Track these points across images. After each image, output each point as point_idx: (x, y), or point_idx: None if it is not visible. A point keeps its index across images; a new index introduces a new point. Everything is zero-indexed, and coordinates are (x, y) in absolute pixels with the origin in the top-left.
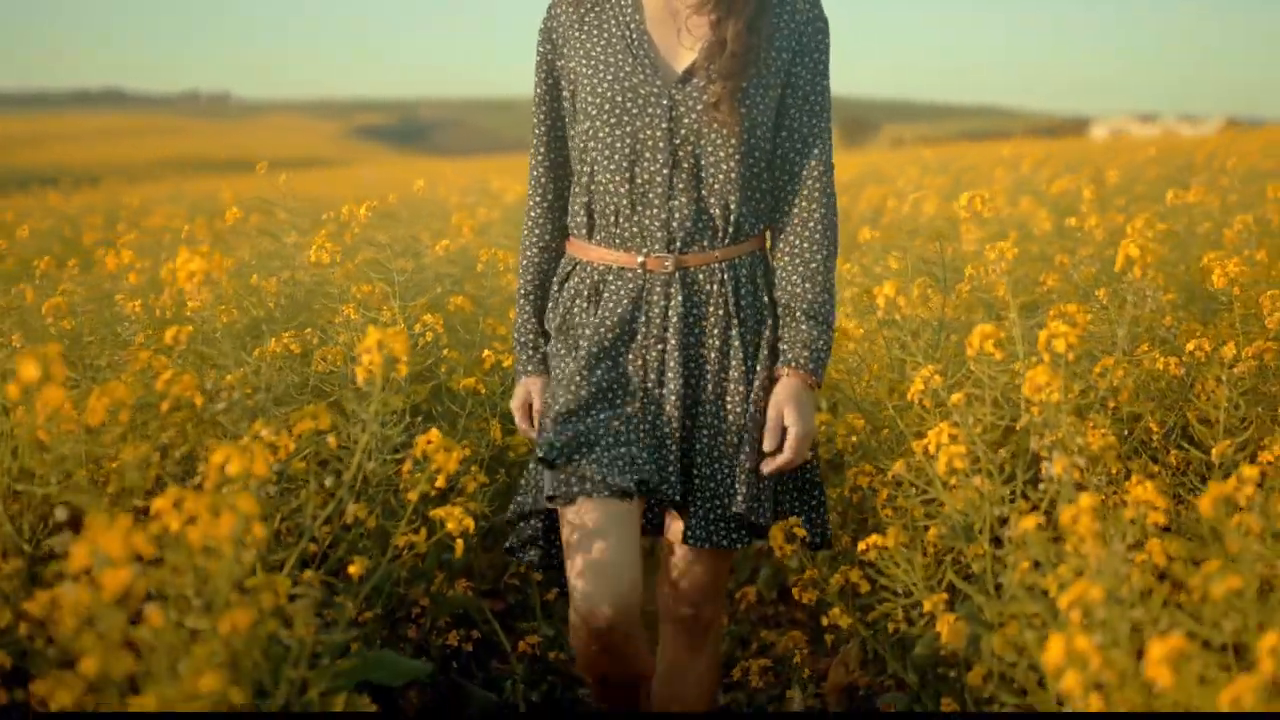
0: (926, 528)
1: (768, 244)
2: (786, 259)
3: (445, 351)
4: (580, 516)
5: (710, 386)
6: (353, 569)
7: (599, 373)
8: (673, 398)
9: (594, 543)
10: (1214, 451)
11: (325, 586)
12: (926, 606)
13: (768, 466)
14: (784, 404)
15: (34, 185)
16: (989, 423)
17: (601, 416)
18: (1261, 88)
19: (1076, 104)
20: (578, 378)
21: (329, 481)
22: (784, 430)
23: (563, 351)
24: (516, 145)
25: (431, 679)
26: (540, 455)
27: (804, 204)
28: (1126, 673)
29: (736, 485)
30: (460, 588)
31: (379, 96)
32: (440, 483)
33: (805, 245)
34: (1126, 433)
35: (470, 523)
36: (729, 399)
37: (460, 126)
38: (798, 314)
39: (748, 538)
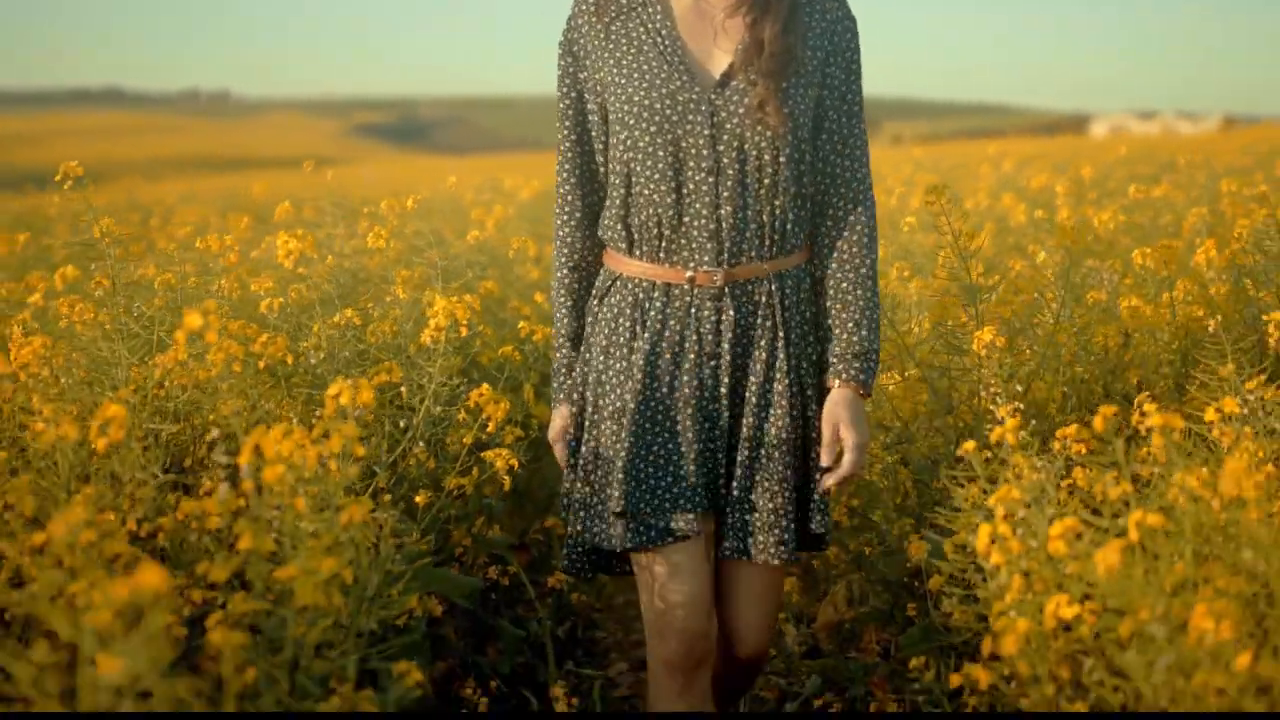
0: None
1: (811, 255)
2: (835, 265)
3: (463, 330)
4: (654, 560)
5: (755, 399)
6: (419, 498)
7: (657, 399)
8: (726, 413)
9: (663, 587)
10: (1136, 401)
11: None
12: (895, 531)
13: (828, 481)
14: (839, 417)
15: (49, 183)
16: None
17: (666, 457)
18: (1261, 86)
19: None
20: (639, 412)
21: (402, 423)
22: (839, 443)
23: (614, 381)
24: (517, 144)
25: (470, 611)
26: (614, 510)
27: (849, 207)
28: (1040, 557)
29: (783, 501)
30: (497, 531)
31: (378, 95)
32: (490, 428)
33: (854, 250)
34: (1068, 391)
35: (515, 462)
36: (773, 412)
37: (460, 125)
38: (849, 324)
39: (790, 554)
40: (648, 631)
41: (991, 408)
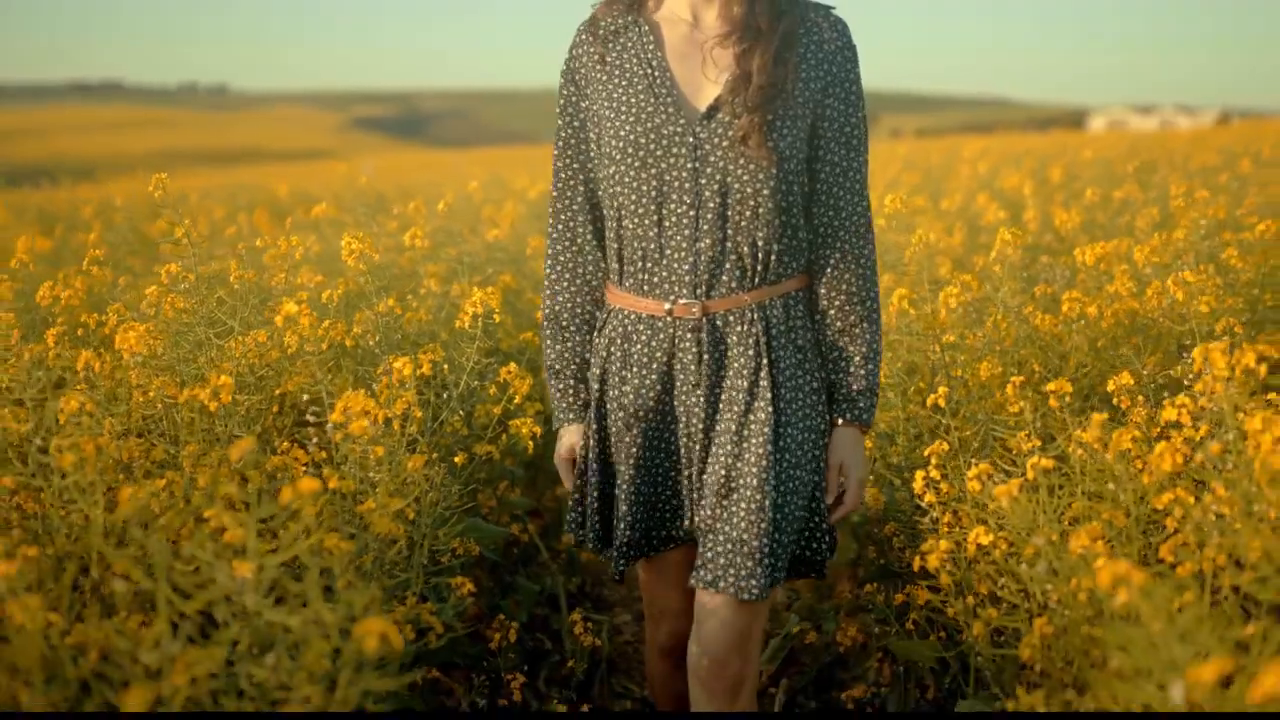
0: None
1: (806, 283)
2: (842, 300)
3: (496, 317)
4: (647, 565)
5: (734, 427)
6: (457, 459)
7: (650, 437)
8: (701, 439)
9: (657, 586)
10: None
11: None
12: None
13: (833, 517)
14: (843, 456)
15: (49, 176)
16: (906, 360)
17: (657, 488)
18: (1263, 80)
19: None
20: (627, 450)
21: (443, 396)
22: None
23: (611, 408)
24: (518, 137)
25: (494, 565)
26: (616, 564)
27: (849, 239)
28: (966, 499)
29: (759, 532)
30: (517, 494)
31: (378, 87)
32: (517, 400)
33: (859, 285)
34: (1013, 370)
35: (539, 429)
36: (752, 441)
37: (461, 118)
38: (855, 358)
39: (761, 591)
40: (647, 615)
41: (941, 383)
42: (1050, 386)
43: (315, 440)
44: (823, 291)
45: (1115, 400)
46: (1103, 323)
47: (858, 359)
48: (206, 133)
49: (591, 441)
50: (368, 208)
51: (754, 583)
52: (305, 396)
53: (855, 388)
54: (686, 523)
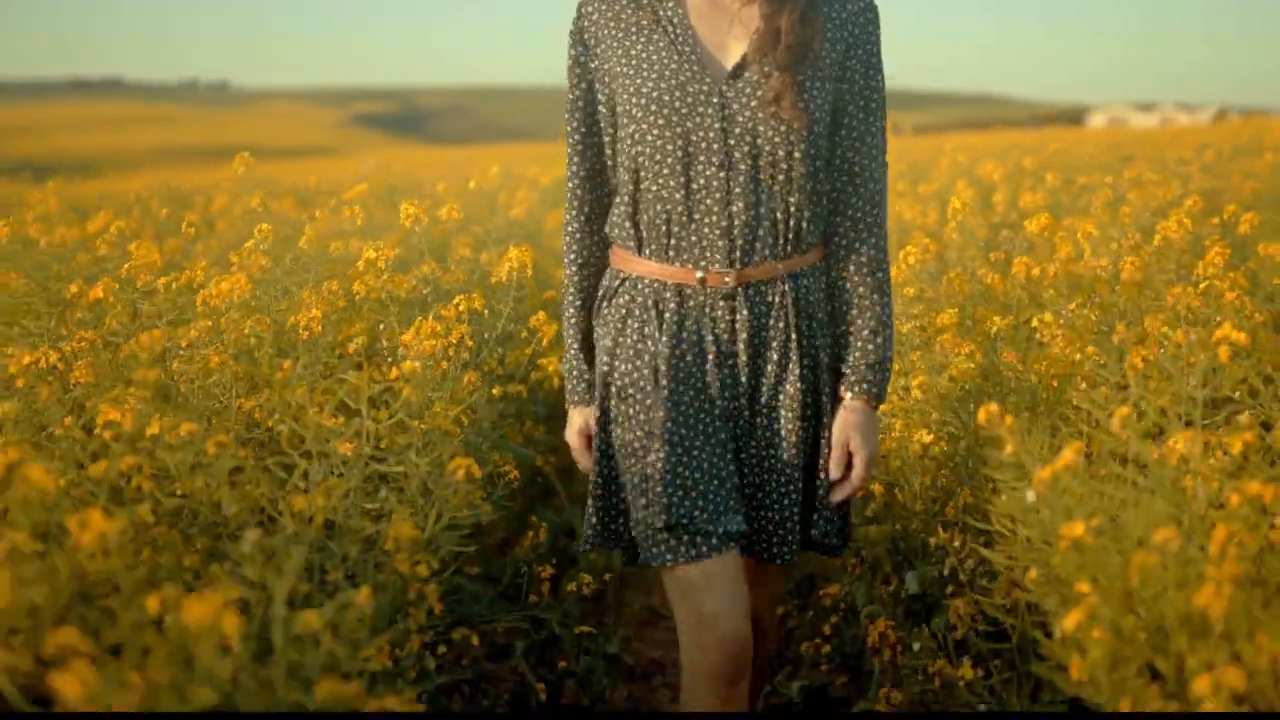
0: None
1: (825, 254)
2: (853, 268)
3: (529, 271)
4: (688, 573)
5: (766, 399)
6: (495, 390)
7: (686, 413)
8: (742, 416)
9: (705, 597)
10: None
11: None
12: None
13: (837, 494)
14: (850, 431)
15: (103, 169)
16: None
17: (700, 469)
18: (1264, 77)
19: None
20: (667, 422)
21: (484, 337)
22: (849, 456)
23: (631, 386)
24: (518, 133)
25: (517, 492)
26: (659, 526)
27: (866, 208)
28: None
29: (791, 502)
30: (541, 432)
31: (378, 84)
32: (545, 342)
33: (871, 254)
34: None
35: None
36: (783, 414)
37: (460, 114)
38: (865, 332)
39: (790, 556)
40: (685, 645)
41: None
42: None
43: (384, 366)
44: (835, 260)
45: (1038, 335)
46: (1044, 281)
47: (867, 331)
48: (207, 129)
49: (605, 421)
50: (379, 197)
51: (786, 550)
52: (383, 325)
53: (865, 361)
54: (735, 504)
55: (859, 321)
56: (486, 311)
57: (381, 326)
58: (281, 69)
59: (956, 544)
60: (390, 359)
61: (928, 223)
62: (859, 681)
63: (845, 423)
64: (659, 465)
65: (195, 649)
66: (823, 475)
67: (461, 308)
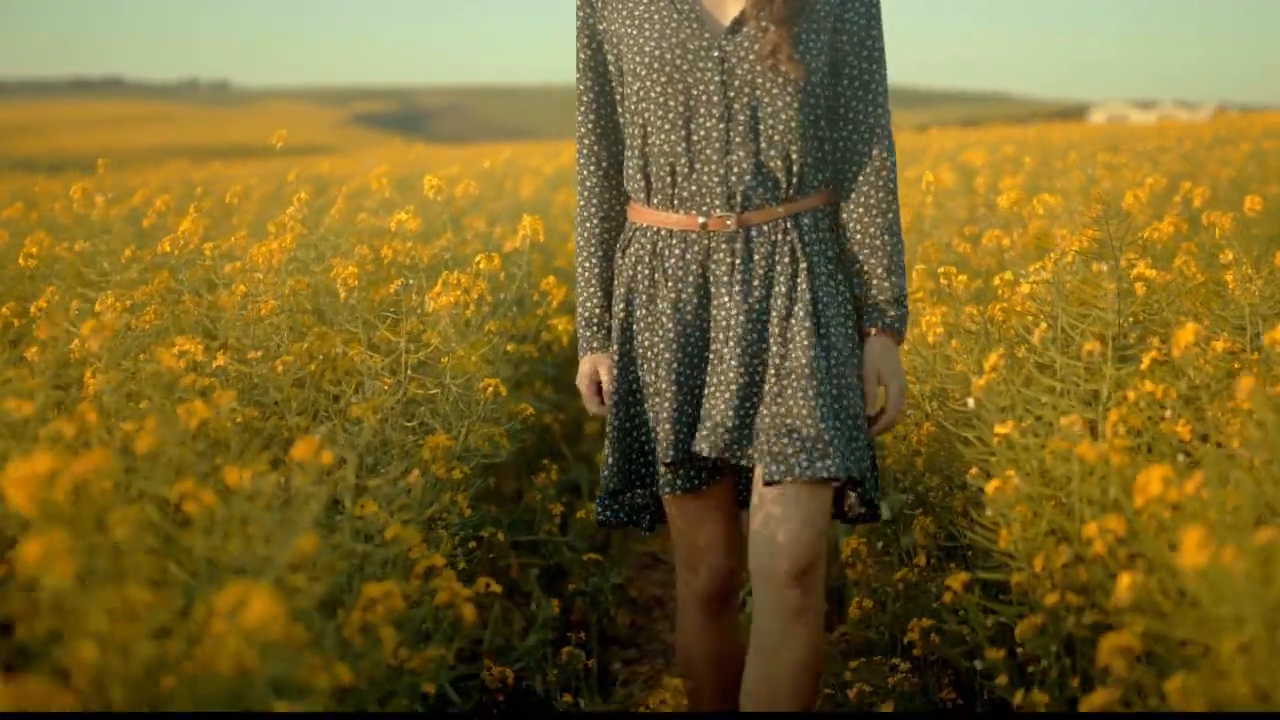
0: None
1: (829, 198)
2: (861, 211)
3: (541, 238)
4: (684, 502)
5: (776, 331)
6: (509, 347)
7: (690, 352)
8: (737, 351)
9: (696, 525)
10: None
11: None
12: None
13: (873, 430)
14: (879, 366)
15: (144, 162)
16: None
17: (696, 406)
18: (1262, 75)
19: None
20: (674, 370)
21: (500, 297)
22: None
23: (640, 327)
24: (517, 133)
25: (523, 451)
26: (664, 461)
27: (872, 153)
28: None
29: (818, 419)
30: (550, 392)
31: (378, 83)
32: (555, 304)
33: (880, 196)
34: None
35: (571, 327)
36: (796, 340)
37: (459, 113)
38: (879, 270)
39: (832, 467)
40: (679, 565)
41: None
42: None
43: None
44: (844, 204)
45: (999, 290)
46: (1014, 249)
47: (880, 270)
48: (208, 128)
49: (620, 367)
50: (395, 181)
51: (828, 463)
52: (413, 281)
53: (883, 298)
54: (730, 438)
55: (872, 261)
56: (502, 275)
57: (411, 282)
58: (282, 68)
59: (920, 468)
60: (418, 312)
61: (911, 203)
62: (841, 612)
63: (872, 359)
64: (665, 405)
65: (297, 478)
66: (856, 418)
67: (482, 266)
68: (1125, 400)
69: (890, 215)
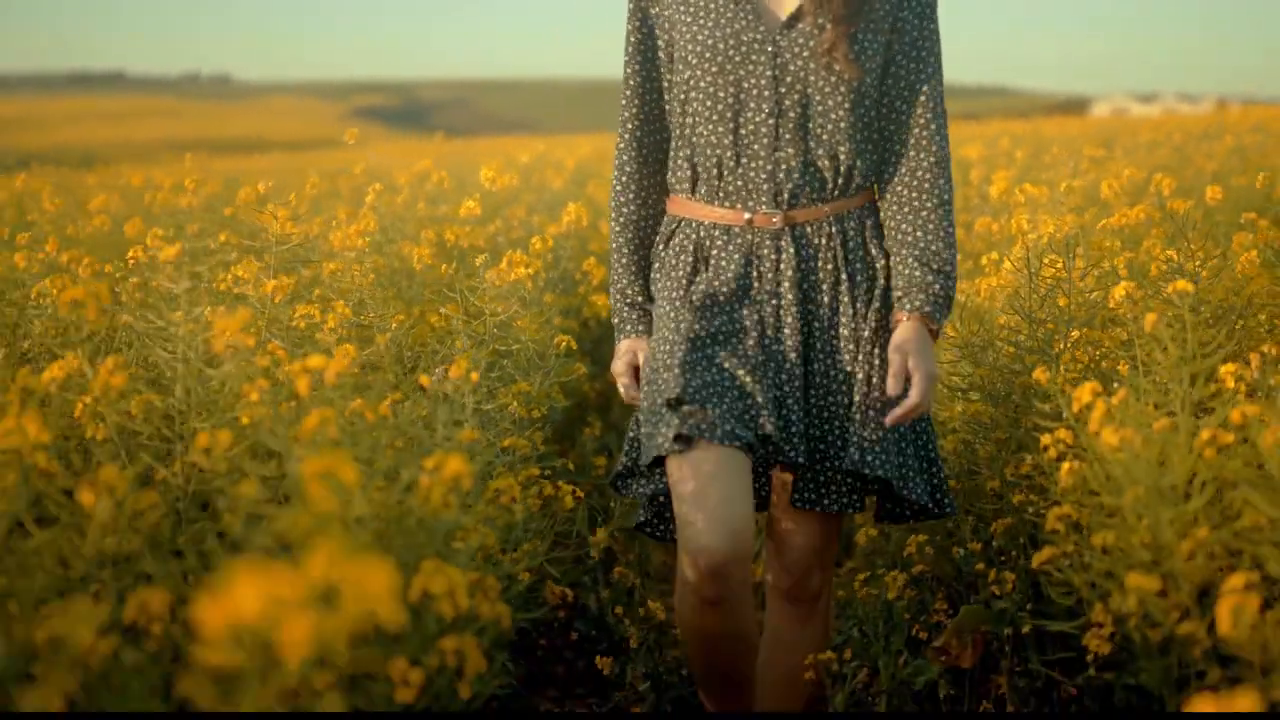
0: None
1: (876, 197)
2: (895, 208)
3: (584, 221)
4: (697, 461)
5: (820, 344)
6: (557, 321)
7: (718, 322)
8: (792, 354)
9: (711, 485)
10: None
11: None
12: None
13: (895, 414)
14: (905, 347)
15: (106, 162)
16: None
17: (725, 367)
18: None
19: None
20: (698, 326)
21: (550, 275)
22: (908, 376)
23: (676, 308)
24: (519, 126)
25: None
26: (668, 398)
27: (912, 153)
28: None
29: (849, 440)
30: (587, 362)
31: (379, 77)
32: (594, 283)
33: (914, 194)
34: None
35: (609, 303)
36: (840, 356)
37: (462, 107)
38: (909, 260)
39: (859, 502)
40: (679, 553)
41: None
42: None
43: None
44: (887, 200)
45: (985, 268)
46: (1001, 234)
47: (911, 260)
48: (210, 122)
49: (654, 350)
50: (454, 170)
51: (845, 501)
52: (482, 257)
53: (914, 284)
54: (766, 425)
55: (906, 254)
56: (550, 256)
57: (479, 260)
58: (283, 62)
59: None
60: (482, 286)
61: None
62: (850, 548)
63: (900, 341)
64: (676, 358)
65: (449, 386)
66: (858, 403)
67: (537, 247)
68: (1074, 340)
69: (924, 212)
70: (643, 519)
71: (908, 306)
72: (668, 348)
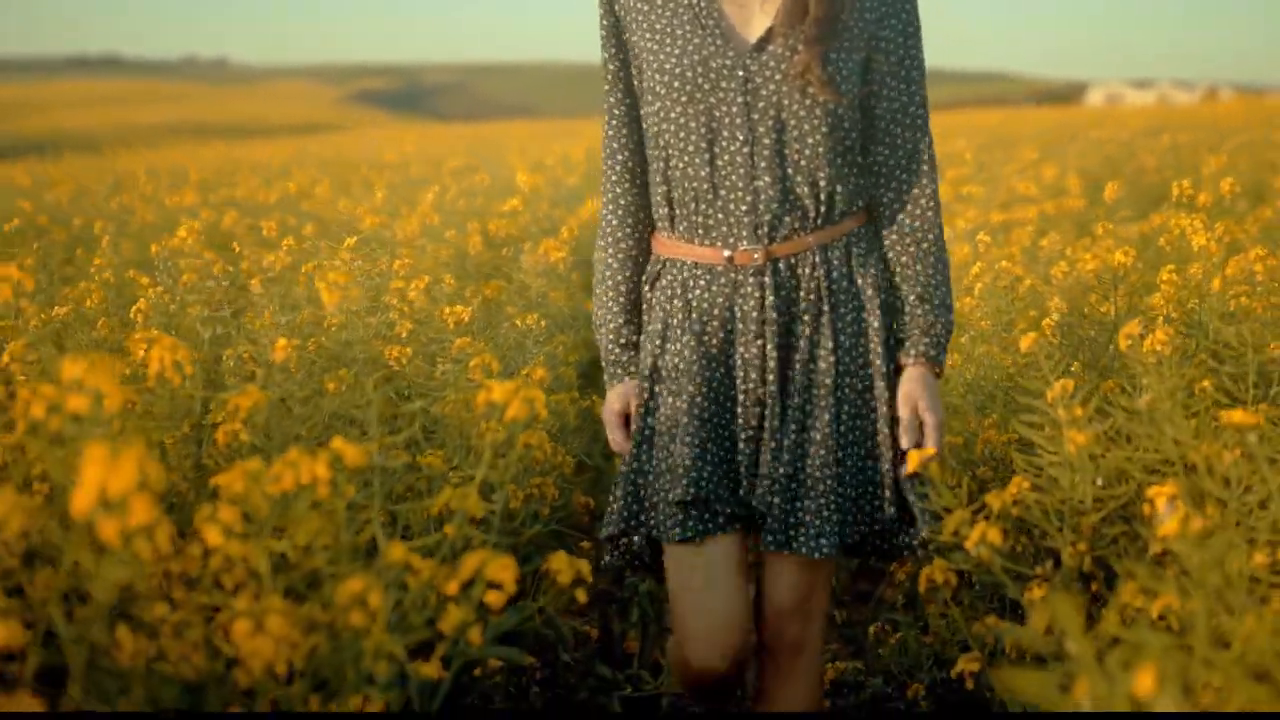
0: None
1: (866, 221)
2: (896, 238)
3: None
4: (694, 560)
5: (799, 378)
6: (580, 294)
7: (713, 396)
8: (773, 396)
9: (707, 591)
10: None
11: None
12: None
13: (910, 464)
14: (914, 396)
15: (107, 146)
16: None
17: (722, 438)
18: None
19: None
20: (690, 390)
21: (574, 259)
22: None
23: (669, 366)
24: (519, 111)
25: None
26: (670, 494)
27: (910, 178)
28: None
29: (826, 489)
30: None
31: (380, 61)
32: None
33: (918, 224)
34: None
35: None
36: (816, 391)
37: (463, 92)
38: (912, 298)
39: (831, 548)
40: (675, 631)
41: None
42: None
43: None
44: (883, 231)
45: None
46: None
47: (914, 298)
48: (209, 106)
49: (650, 405)
50: (486, 162)
51: (823, 542)
52: (527, 245)
53: (919, 327)
54: (744, 491)
55: (905, 289)
56: (574, 242)
57: (525, 246)
58: (281, 45)
59: None
60: (521, 268)
61: None
62: None
63: (907, 391)
64: (685, 440)
65: (510, 333)
66: (876, 460)
67: (565, 235)
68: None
69: (926, 244)
70: (612, 526)
71: (913, 352)
72: (664, 418)
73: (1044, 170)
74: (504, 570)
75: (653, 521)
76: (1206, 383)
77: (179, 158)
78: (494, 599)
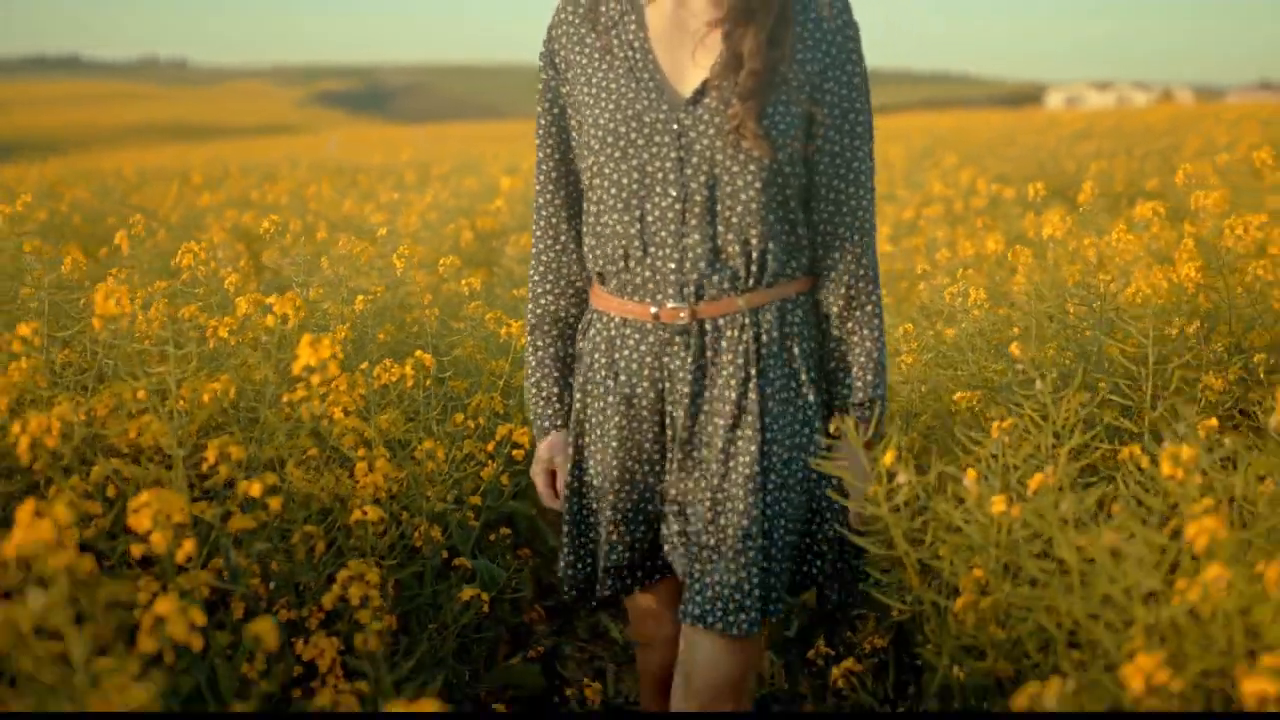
0: None
1: (807, 286)
2: (839, 303)
3: None
4: (639, 603)
5: (718, 444)
6: None
7: (634, 455)
8: (681, 455)
9: (644, 620)
10: None
11: None
12: None
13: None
14: (852, 463)
15: (69, 148)
16: None
17: (641, 511)
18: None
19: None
20: (620, 454)
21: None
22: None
23: (593, 422)
24: (481, 111)
25: None
26: (603, 567)
27: (851, 237)
28: None
29: (750, 567)
30: None
31: (340, 61)
32: None
33: (858, 286)
34: None
35: None
36: (738, 460)
37: (424, 92)
38: (853, 369)
39: (752, 624)
40: (639, 644)
41: None
42: None
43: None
44: (821, 295)
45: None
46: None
47: (856, 367)
48: (170, 107)
49: (576, 458)
50: (470, 166)
51: (743, 617)
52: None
53: (854, 400)
54: (667, 550)
55: (848, 359)
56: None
57: (510, 239)
58: (241, 46)
59: None
60: (505, 256)
61: None
62: None
63: (845, 455)
64: (606, 510)
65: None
66: (804, 525)
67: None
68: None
69: (867, 309)
70: (569, 585)
71: (855, 415)
72: (591, 471)
73: (961, 175)
74: (524, 436)
75: (588, 574)
76: (1016, 329)
77: (167, 159)
78: (517, 454)
